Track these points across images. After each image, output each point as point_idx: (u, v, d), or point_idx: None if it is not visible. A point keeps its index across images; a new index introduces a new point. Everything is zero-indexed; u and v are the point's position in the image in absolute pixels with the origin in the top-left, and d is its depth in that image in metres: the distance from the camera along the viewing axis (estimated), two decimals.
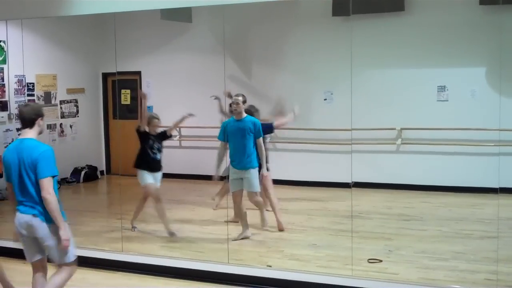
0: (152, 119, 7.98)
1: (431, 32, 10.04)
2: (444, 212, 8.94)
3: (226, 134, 7.54)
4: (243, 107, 7.54)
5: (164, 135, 8.07)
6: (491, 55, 9.12)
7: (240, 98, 7.52)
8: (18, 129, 10.06)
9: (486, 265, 6.25)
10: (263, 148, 7.54)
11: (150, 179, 7.89)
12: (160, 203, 7.89)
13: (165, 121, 11.97)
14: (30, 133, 4.86)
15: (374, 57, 10.19)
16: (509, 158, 9.50)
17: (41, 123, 4.93)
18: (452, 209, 9.10)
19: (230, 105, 7.85)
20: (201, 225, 8.47)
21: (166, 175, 11.94)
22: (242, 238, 7.52)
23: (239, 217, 7.69)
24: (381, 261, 6.55)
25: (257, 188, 7.55)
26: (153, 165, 7.94)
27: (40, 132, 4.94)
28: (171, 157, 12.16)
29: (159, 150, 7.95)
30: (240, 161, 7.45)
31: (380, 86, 10.41)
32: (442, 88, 10.17)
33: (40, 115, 4.92)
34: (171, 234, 7.81)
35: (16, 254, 7.06)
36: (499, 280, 5.74)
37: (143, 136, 7.87)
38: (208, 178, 10.99)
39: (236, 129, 7.46)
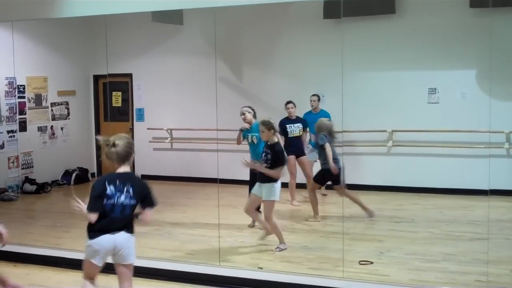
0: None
1: (422, 34, 10.08)
2: (435, 214, 8.97)
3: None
4: (318, 103, 9.92)
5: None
6: (482, 58, 9.15)
7: (316, 98, 9.96)
8: (8, 132, 10.05)
9: (476, 267, 6.27)
10: None
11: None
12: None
13: (157, 123, 12.03)
14: None
15: (365, 60, 10.22)
16: (499, 160, 9.57)
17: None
18: (443, 211, 9.13)
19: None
20: (193, 227, 8.46)
21: (157, 177, 12.01)
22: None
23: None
24: (372, 262, 6.57)
25: None
26: None
27: None
28: (163, 159, 12.19)
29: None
30: None
31: (371, 89, 10.44)
32: (432, 90, 10.21)
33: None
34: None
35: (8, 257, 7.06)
36: (489, 281, 5.76)
37: None
38: (199, 180, 11.10)
39: (313, 120, 9.19)
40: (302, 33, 10.86)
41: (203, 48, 10.96)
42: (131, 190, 4.71)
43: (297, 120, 9.52)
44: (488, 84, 9.02)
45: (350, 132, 9.39)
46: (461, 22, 9.86)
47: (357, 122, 9.92)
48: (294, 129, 9.40)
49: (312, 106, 9.87)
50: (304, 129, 9.53)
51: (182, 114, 12.04)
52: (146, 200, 4.78)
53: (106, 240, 4.74)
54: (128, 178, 4.77)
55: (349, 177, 8.35)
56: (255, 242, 7.53)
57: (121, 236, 4.78)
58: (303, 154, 9.47)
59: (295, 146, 9.33)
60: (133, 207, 4.76)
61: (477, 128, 9.33)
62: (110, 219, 4.71)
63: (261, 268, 6.46)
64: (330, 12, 10.23)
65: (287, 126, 9.33)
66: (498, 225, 7.75)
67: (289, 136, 9.34)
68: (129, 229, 4.85)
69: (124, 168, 4.81)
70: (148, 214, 4.78)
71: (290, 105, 9.47)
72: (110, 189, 4.70)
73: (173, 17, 10.89)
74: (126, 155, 4.81)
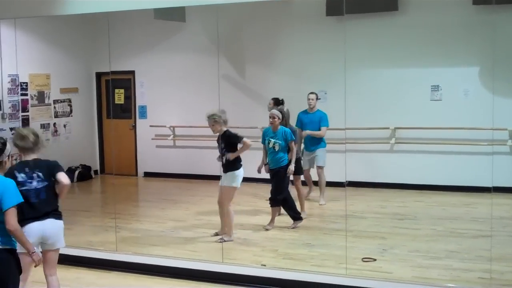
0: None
1: (425, 32, 10.06)
2: (438, 211, 8.97)
3: (301, 123, 9.27)
4: (316, 102, 9.26)
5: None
6: (484, 55, 9.14)
7: (314, 96, 9.29)
8: (11, 129, 10.06)
9: (479, 264, 6.27)
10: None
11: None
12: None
13: (160, 120, 12.04)
14: None
15: (368, 57, 10.21)
16: (502, 157, 9.55)
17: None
18: (446, 208, 9.12)
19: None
20: (195, 224, 8.47)
21: (160, 175, 12.04)
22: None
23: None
24: (375, 260, 6.57)
25: None
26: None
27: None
28: (165, 157, 12.20)
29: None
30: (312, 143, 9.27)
31: (374, 86, 10.42)
32: (435, 88, 10.20)
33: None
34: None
35: None
36: (493, 278, 5.77)
37: None
38: (202, 177, 11.10)
39: (309, 120, 9.16)
40: (305, 30, 10.85)
41: (205, 46, 10.96)
42: (40, 174, 4.93)
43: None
44: (491, 81, 9.01)
45: (353, 129, 9.36)
46: (464, 19, 9.84)
47: (360, 119, 9.92)
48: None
49: (310, 105, 9.31)
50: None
51: (184, 111, 12.03)
52: (55, 172, 4.99)
53: (34, 227, 4.86)
54: (35, 163, 4.97)
55: (351, 175, 8.34)
56: (258, 239, 7.53)
57: (49, 223, 4.94)
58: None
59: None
60: (47, 188, 4.96)
61: (480, 125, 9.31)
62: (29, 207, 4.85)
63: (264, 265, 6.47)
64: (333, 9, 10.21)
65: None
66: (501, 222, 7.75)
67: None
68: (56, 214, 5.03)
69: (33, 156, 5.00)
70: (61, 176, 4.99)
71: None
72: (21, 176, 4.87)
73: (175, 15, 10.89)
74: (35, 146, 4.99)
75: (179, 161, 12.07)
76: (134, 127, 12.52)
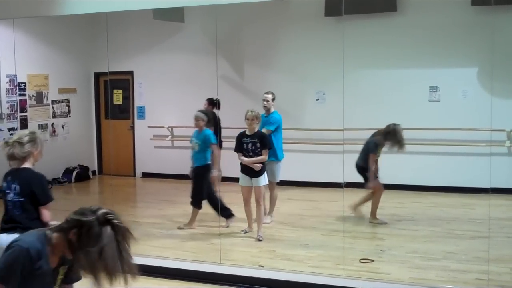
0: None
1: (423, 32, 10.06)
2: (436, 212, 8.97)
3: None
4: (272, 104, 8.35)
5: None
6: (483, 56, 9.15)
7: (270, 96, 8.40)
8: (9, 129, 10.05)
9: (477, 265, 6.27)
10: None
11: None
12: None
13: (158, 121, 12.03)
14: None
15: (367, 58, 10.20)
16: (500, 158, 9.55)
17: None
18: (444, 209, 9.12)
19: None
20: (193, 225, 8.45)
21: (158, 175, 12.03)
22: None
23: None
24: (372, 261, 6.57)
25: None
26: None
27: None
28: (163, 157, 12.18)
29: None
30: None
31: (372, 86, 10.42)
32: (434, 89, 10.20)
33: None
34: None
35: None
36: (490, 280, 5.76)
37: None
38: None
39: (263, 124, 8.10)
40: (304, 31, 10.84)
41: (204, 46, 10.95)
42: (17, 187, 4.56)
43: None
44: (490, 82, 9.01)
45: (351, 130, 9.35)
46: (463, 20, 9.84)
47: (358, 120, 9.89)
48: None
49: (265, 106, 8.40)
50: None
51: (183, 112, 12.00)
52: (35, 197, 4.58)
53: (1, 240, 4.38)
54: (17, 174, 4.63)
55: (349, 176, 8.34)
56: (256, 240, 7.53)
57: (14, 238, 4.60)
58: None
59: None
60: (22, 204, 4.55)
61: (478, 126, 9.30)
62: (5, 217, 4.63)
63: (262, 266, 6.46)
64: (332, 10, 10.21)
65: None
66: (499, 223, 7.74)
67: None
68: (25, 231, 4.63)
69: (24, 164, 4.67)
70: (43, 213, 4.56)
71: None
72: (3, 185, 4.61)
73: (174, 15, 10.89)
74: (21, 156, 4.64)
75: (177, 161, 12.01)
76: (132, 127, 12.51)
